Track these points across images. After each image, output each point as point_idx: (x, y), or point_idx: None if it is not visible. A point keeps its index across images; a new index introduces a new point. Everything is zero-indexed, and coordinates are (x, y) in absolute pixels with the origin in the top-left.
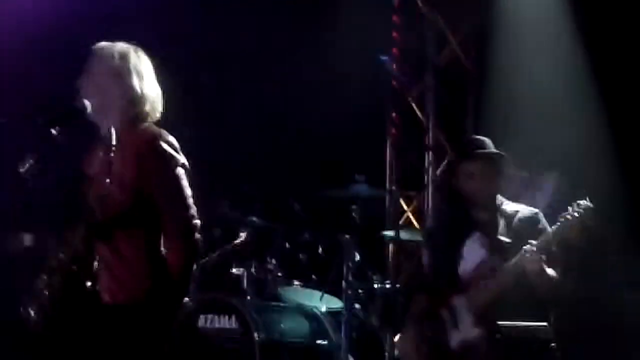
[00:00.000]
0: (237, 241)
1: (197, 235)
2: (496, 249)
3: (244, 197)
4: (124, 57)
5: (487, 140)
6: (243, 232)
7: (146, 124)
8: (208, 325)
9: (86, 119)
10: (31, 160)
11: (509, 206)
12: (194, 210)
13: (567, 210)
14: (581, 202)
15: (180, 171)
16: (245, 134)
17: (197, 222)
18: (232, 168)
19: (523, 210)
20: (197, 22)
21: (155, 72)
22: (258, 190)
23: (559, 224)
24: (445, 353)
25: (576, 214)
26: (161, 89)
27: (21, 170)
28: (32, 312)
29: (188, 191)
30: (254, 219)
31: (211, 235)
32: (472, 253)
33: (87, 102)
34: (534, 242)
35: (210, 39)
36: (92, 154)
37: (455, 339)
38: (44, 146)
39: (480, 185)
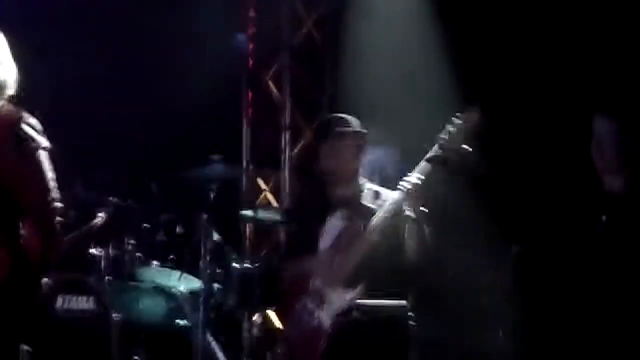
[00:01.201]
0: (95, 221)
1: (57, 219)
2: (360, 215)
3: (101, 177)
4: None
5: (349, 117)
6: (100, 212)
7: (3, 105)
8: (65, 306)
9: None
10: None
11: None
12: (54, 193)
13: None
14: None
15: (41, 154)
16: (101, 112)
17: (58, 205)
18: (88, 148)
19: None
20: None
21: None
22: (115, 170)
23: (444, 135)
24: (313, 332)
25: (461, 121)
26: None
27: None
28: None
29: (49, 174)
30: (111, 198)
31: (67, 216)
32: (333, 228)
33: None
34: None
35: (65, 16)
36: None
37: (321, 318)
38: None
39: (340, 163)
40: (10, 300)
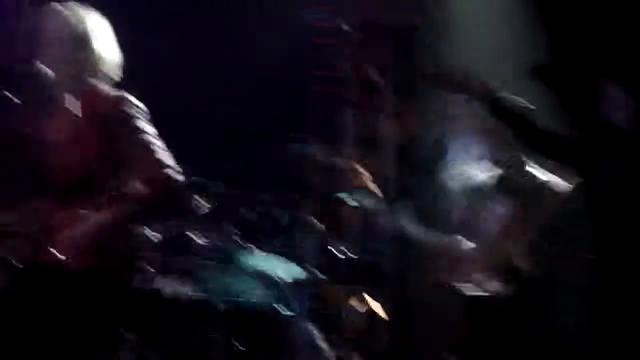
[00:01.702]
0: (197, 208)
1: (176, 187)
2: None
3: (203, 164)
4: (83, 19)
5: None
6: (203, 198)
7: (107, 87)
8: (168, 291)
9: (39, 84)
10: None
11: None
12: (170, 164)
13: None
14: None
15: (147, 127)
16: (197, 99)
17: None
18: (190, 137)
19: None
20: None
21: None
22: (213, 155)
23: None
24: None
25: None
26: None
27: None
28: None
29: (162, 147)
30: (214, 184)
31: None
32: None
33: (41, 66)
34: None
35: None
36: (49, 120)
37: None
38: None
39: None
40: (115, 279)
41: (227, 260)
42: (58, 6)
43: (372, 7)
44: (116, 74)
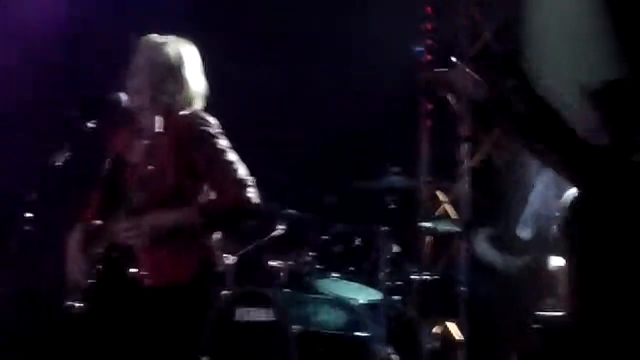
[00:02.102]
0: (274, 233)
1: (252, 203)
2: None
3: (280, 189)
4: (174, 49)
5: None
6: (279, 224)
7: (192, 111)
8: (244, 317)
9: (122, 110)
10: (67, 152)
11: None
12: (246, 177)
13: None
14: None
15: (226, 144)
16: (279, 125)
17: (251, 195)
18: (266, 160)
19: None
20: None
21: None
22: (293, 182)
23: None
24: None
25: None
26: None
27: (57, 162)
28: (75, 302)
29: (240, 166)
30: (290, 211)
31: (247, 227)
32: None
33: (123, 94)
34: None
35: (238, 29)
36: (130, 142)
37: None
38: (80, 137)
39: None
40: (193, 298)
41: (303, 284)
42: (153, 37)
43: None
44: (203, 102)
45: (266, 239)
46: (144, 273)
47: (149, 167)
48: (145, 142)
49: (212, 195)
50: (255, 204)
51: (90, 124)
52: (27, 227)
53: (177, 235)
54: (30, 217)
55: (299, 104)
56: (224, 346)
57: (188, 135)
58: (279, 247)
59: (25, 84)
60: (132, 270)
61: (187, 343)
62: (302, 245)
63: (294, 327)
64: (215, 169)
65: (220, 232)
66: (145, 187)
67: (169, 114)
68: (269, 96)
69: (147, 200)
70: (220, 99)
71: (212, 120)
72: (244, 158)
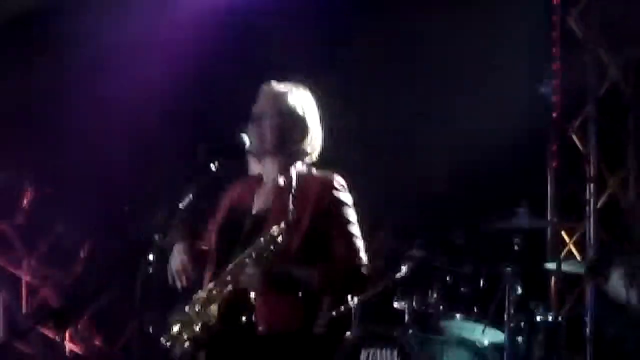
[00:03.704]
0: (399, 274)
1: (364, 277)
2: None
3: (404, 229)
4: (298, 97)
5: None
6: (404, 264)
7: (320, 171)
8: (370, 359)
9: (244, 156)
10: (190, 195)
11: None
12: (363, 254)
13: None
14: None
15: (354, 216)
16: (403, 164)
17: (365, 265)
18: (391, 199)
19: None
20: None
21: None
22: (418, 222)
23: None
24: None
25: None
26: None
27: (180, 205)
28: (177, 346)
29: (359, 235)
30: (415, 251)
31: (373, 268)
32: None
33: (246, 139)
34: None
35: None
36: (250, 190)
37: None
38: (203, 180)
39: None
40: (310, 345)
41: (429, 325)
42: (276, 84)
43: None
44: (317, 152)
45: (391, 279)
46: (258, 319)
47: (281, 224)
48: (270, 192)
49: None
50: (368, 280)
51: (213, 167)
52: (150, 270)
53: (294, 290)
54: (152, 260)
55: (427, 141)
56: None
57: (322, 198)
58: (405, 288)
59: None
60: (248, 316)
61: None
62: (427, 286)
63: None
64: (341, 237)
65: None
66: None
67: (302, 168)
68: (395, 134)
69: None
70: (344, 139)
71: (344, 184)
72: (371, 196)
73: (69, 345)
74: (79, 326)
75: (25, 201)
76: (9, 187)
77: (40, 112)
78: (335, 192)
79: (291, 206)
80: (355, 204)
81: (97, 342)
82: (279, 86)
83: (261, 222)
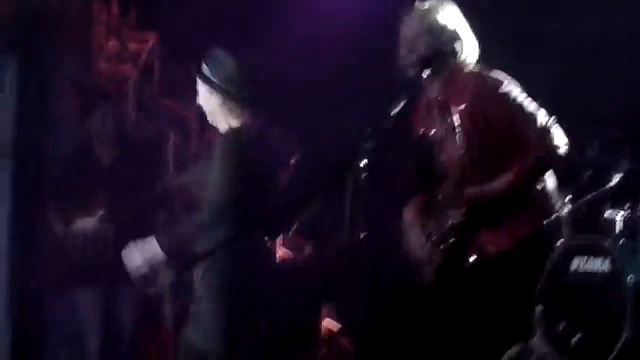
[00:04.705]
0: (610, 184)
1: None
2: None
3: (614, 139)
4: (445, 11)
5: None
6: (614, 175)
7: (473, 71)
8: (580, 268)
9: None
10: (402, 103)
11: None
12: (551, 127)
13: None
14: None
15: (519, 95)
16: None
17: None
18: (600, 110)
19: None
20: None
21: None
22: (628, 133)
23: None
24: None
25: None
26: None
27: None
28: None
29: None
30: (626, 161)
31: (582, 178)
32: None
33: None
34: None
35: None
36: (428, 115)
37: None
38: (413, 89)
39: None
40: (529, 260)
41: (637, 235)
42: (421, 3)
43: None
44: (475, 60)
45: (602, 189)
46: (479, 246)
47: (456, 141)
48: (441, 113)
49: (520, 154)
50: (563, 149)
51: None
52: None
53: (502, 203)
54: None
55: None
56: (559, 296)
57: (484, 98)
58: (615, 197)
59: None
60: (467, 246)
61: (524, 295)
62: (638, 195)
63: (629, 278)
64: (517, 125)
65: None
66: (454, 163)
67: (455, 79)
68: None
69: (461, 174)
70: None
71: (499, 75)
72: (578, 108)
73: (279, 252)
74: (289, 234)
75: None
76: None
77: None
78: (503, 91)
79: (460, 122)
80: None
81: (307, 250)
82: (425, 4)
83: (440, 145)
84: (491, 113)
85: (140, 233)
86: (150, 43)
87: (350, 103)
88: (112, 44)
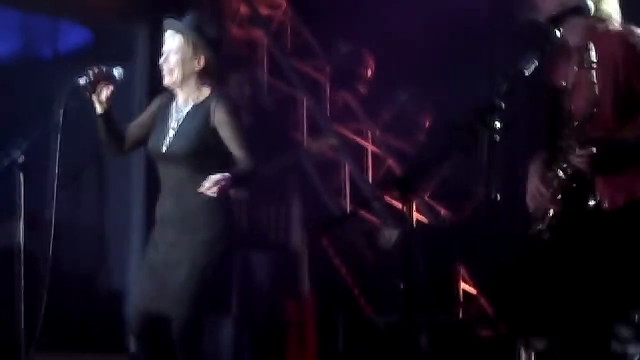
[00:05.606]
0: None
1: None
2: None
3: None
4: None
5: None
6: None
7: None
8: None
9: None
10: (535, 61)
11: None
12: None
13: None
14: None
15: None
16: None
17: None
18: None
19: None
20: None
21: None
22: None
23: None
24: None
25: None
26: None
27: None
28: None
29: None
30: None
31: None
32: None
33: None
34: None
35: None
36: (563, 66)
37: None
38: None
39: None
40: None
41: None
42: None
43: None
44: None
45: None
46: (600, 197)
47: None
48: (577, 65)
49: None
50: None
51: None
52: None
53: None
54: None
55: None
56: None
57: (627, 56)
58: None
59: None
60: (590, 196)
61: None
62: None
63: None
64: None
65: None
66: (585, 112)
67: (595, 32)
68: None
69: (589, 124)
70: None
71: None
72: None
73: (415, 215)
74: (424, 195)
75: (368, 72)
76: (352, 58)
77: None
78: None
79: (595, 74)
80: None
81: (443, 211)
82: None
83: (570, 97)
84: (629, 66)
85: (274, 198)
86: (282, 8)
87: (482, 62)
88: (244, 9)
